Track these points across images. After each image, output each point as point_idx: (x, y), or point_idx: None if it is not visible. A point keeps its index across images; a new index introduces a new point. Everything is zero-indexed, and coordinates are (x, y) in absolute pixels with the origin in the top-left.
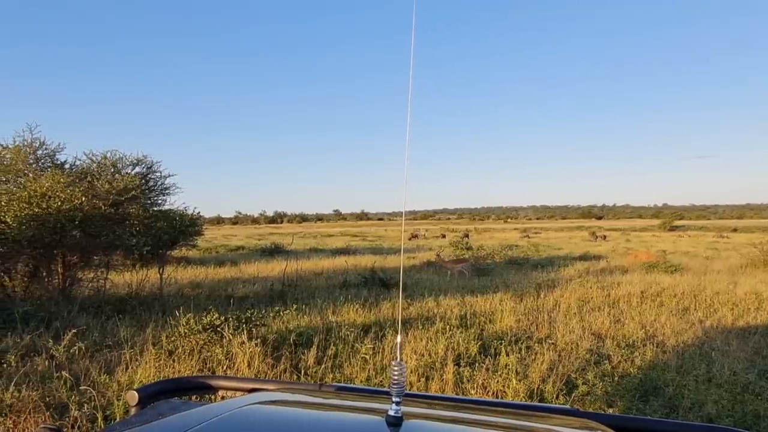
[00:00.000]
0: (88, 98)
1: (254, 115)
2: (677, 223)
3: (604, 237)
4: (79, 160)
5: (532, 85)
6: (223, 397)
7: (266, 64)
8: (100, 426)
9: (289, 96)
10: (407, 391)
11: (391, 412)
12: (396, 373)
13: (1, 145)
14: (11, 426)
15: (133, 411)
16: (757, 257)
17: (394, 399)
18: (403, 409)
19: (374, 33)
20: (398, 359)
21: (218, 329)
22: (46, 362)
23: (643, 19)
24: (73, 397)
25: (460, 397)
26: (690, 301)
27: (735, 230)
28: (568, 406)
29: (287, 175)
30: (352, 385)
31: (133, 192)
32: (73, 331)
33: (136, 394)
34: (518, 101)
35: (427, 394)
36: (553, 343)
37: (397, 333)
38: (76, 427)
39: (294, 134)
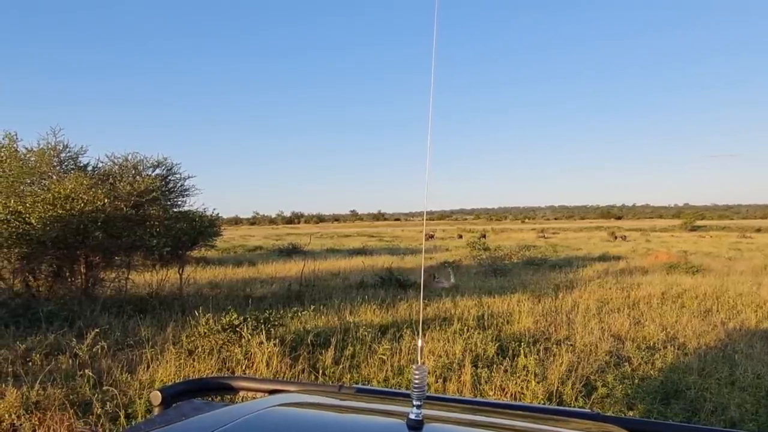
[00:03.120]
0: (104, 100)
1: (271, 115)
2: (699, 223)
3: (624, 237)
4: (101, 162)
5: (550, 84)
6: (243, 398)
7: (284, 64)
8: (123, 424)
9: (306, 96)
10: (429, 395)
11: (412, 416)
12: (417, 376)
13: (26, 148)
14: (37, 423)
15: (156, 411)
16: None
17: (414, 402)
18: (425, 412)
19: (391, 33)
20: (419, 363)
21: (237, 329)
22: (70, 361)
23: (662, 16)
24: (96, 395)
25: (479, 399)
26: (712, 302)
27: (759, 230)
28: (587, 410)
29: (304, 176)
30: (371, 387)
31: (154, 193)
32: (96, 330)
33: (160, 394)
34: (536, 100)
35: (446, 396)
36: (571, 345)
37: (415, 333)
38: (99, 425)
39: (311, 135)
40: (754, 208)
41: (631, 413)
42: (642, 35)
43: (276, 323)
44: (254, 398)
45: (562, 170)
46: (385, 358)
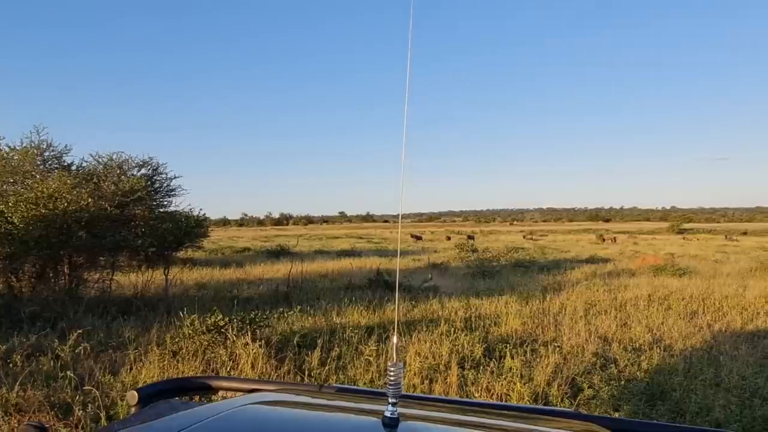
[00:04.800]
0: (94, 102)
1: (261, 117)
2: (686, 225)
3: (614, 239)
4: (86, 161)
5: (539, 86)
6: (224, 398)
7: (270, 67)
8: (104, 426)
9: (295, 98)
10: (407, 393)
11: (387, 413)
12: (392, 373)
13: (9, 147)
14: (16, 425)
15: (133, 410)
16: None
17: (390, 400)
18: (402, 410)
19: (378, 33)
20: (395, 360)
21: (222, 330)
22: (52, 362)
23: (650, 17)
24: (78, 397)
25: (461, 399)
26: (698, 304)
27: (744, 233)
28: (572, 410)
29: (293, 178)
30: (351, 386)
31: (139, 193)
32: (79, 331)
33: (137, 394)
34: (524, 103)
35: (426, 396)
36: (558, 347)
37: (401, 334)
38: (79, 427)
39: (300, 136)
40: (740, 212)
41: (616, 414)
42: (630, 36)
43: (262, 324)
44: (233, 397)
45: (550, 173)
46: (371, 359)
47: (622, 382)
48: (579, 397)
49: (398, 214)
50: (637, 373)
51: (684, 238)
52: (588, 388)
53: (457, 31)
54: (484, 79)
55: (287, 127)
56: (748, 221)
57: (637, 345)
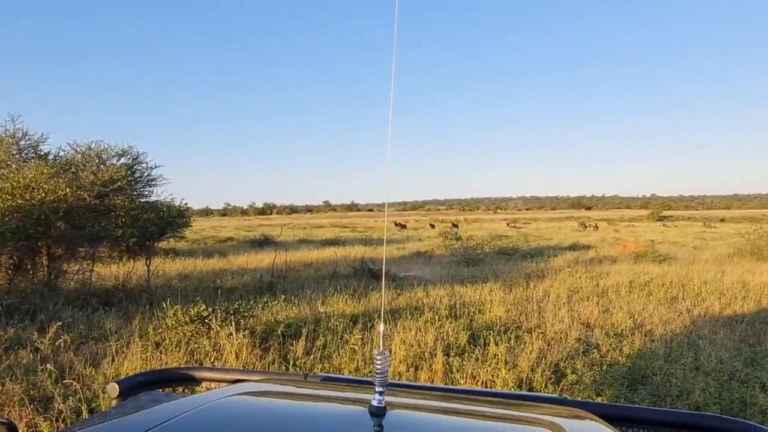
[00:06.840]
0: (72, 86)
1: (244, 107)
2: (665, 213)
3: (596, 227)
4: (63, 150)
5: (522, 76)
6: (208, 389)
7: (255, 55)
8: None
9: (279, 87)
10: (393, 381)
11: (374, 402)
12: (379, 362)
13: None
14: None
15: (114, 403)
16: (744, 247)
17: (377, 389)
18: (388, 399)
19: (365, 21)
20: (381, 348)
21: (206, 321)
22: (31, 355)
23: (633, 10)
24: (58, 390)
25: (448, 386)
26: (678, 290)
27: (722, 220)
28: (556, 395)
29: (277, 167)
30: (337, 375)
31: (119, 183)
32: (58, 323)
33: (117, 386)
34: (508, 92)
35: (413, 384)
36: (542, 333)
37: (386, 323)
38: (60, 420)
39: (284, 125)
40: (718, 199)
41: (599, 399)
42: (612, 29)
43: (246, 314)
44: (217, 388)
45: (533, 161)
46: (356, 347)
47: (605, 367)
48: (562, 383)
49: (383, 203)
50: (619, 358)
51: (664, 225)
52: (571, 373)
53: (442, 17)
54: (467, 69)
55: (271, 117)
56: (726, 208)
57: (619, 330)
